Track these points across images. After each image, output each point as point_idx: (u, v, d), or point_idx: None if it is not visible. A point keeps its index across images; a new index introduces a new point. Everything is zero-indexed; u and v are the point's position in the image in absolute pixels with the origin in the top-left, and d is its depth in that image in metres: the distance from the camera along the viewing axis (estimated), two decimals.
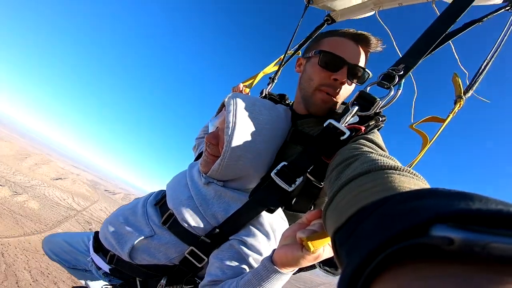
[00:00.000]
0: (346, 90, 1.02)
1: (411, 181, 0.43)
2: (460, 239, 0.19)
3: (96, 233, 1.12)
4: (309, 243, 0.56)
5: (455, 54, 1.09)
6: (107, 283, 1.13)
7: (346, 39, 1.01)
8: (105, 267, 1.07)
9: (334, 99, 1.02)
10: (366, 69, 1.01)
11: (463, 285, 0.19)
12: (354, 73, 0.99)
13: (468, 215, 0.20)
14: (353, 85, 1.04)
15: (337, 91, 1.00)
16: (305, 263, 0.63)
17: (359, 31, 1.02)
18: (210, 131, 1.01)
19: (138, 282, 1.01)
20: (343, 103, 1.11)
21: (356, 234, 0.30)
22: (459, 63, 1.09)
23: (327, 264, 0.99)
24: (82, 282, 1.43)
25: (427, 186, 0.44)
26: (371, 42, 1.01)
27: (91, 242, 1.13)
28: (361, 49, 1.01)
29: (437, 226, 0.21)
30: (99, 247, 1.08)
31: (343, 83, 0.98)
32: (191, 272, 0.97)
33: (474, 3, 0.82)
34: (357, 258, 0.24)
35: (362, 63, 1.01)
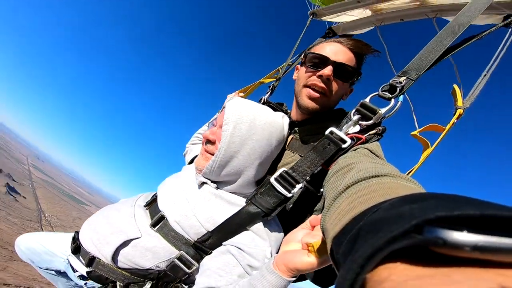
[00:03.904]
0: (334, 87, 1.04)
1: (406, 186, 0.44)
2: (451, 240, 0.19)
3: (77, 233, 1.05)
4: (317, 249, 0.56)
5: (456, 71, 1.12)
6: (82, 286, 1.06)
7: (333, 42, 1.06)
8: (83, 270, 1.00)
9: (321, 95, 1.04)
10: (354, 68, 1.04)
11: (444, 284, 0.19)
12: (340, 70, 1.01)
13: (458, 217, 0.21)
14: (344, 84, 1.06)
15: (323, 87, 1.02)
16: (311, 268, 0.62)
17: (348, 37, 1.06)
18: (209, 129, 1.01)
19: (118, 287, 0.95)
20: (339, 110, 1.13)
21: (350, 241, 0.31)
22: (458, 76, 1.12)
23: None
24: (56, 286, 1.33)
25: (421, 189, 0.45)
26: (358, 43, 1.04)
27: (69, 244, 1.06)
28: (348, 50, 1.04)
29: (428, 228, 0.21)
30: (77, 248, 1.01)
31: (329, 79, 1.01)
32: (179, 278, 0.92)
33: (473, 22, 0.86)
34: (351, 266, 0.25)
35: (349, 62, 1.03)
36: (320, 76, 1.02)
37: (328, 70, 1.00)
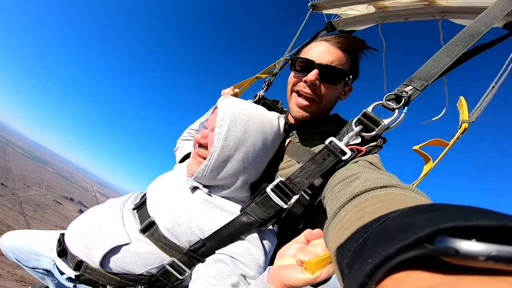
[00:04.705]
0: (322, 91, 0.98)
1: (416, 198, 0.44)
2: (464, 250, 0.19)
3: (62, 235, 1.01)
4: (311, 266, 0.55)
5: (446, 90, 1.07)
6: None
7: (321, 41, 1.01)
8: (70, 273, 0.97)
9: (311, 102, 0.99)
10: (343, 67, 0.97)
11: None
12: (326, 73, 0.96)
13: (468, 227, 0.20)
14: (333, 86, 1.00)
15: (311, 92, 0.98)
16: (305, 284, 0.61)
17: (337, 34, 1.01)
18: (200, 132, 0.96)
19: None
20: (334, 116, 1.08)
21: (357, 250, 0.30)
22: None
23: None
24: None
25: (429, 201, 0.44)
26: (347, 40, 0.98)
27: (55, 245, 1.02)
28: (336, 48, 0.98)
29: (439, 238, 0.20)
30: (64, 251, 0.97)
31: (314, 84, 0.96)
32: (171, 283, 0.91)
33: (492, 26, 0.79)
34: (358, 275, 0.24)
35: (338, 61, 0.97)
36: (305, 82, 0.97)
37: (312, 75, 0.94)
